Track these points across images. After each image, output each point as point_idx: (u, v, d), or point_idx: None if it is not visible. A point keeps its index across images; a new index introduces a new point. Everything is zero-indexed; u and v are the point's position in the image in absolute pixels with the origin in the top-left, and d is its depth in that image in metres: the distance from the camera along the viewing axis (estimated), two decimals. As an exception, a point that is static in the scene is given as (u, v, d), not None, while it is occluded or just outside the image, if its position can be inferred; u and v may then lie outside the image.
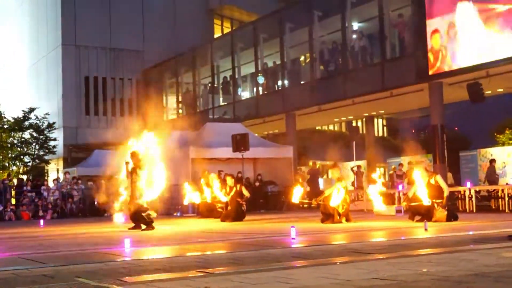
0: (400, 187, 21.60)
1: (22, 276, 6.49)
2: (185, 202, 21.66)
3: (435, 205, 13.86)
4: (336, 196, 14.83)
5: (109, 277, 6.12)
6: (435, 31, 21.72)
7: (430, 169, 18.70)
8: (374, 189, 17.94)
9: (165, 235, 12.95)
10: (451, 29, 21.19)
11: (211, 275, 6.09)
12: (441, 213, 13.82)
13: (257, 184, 26.19)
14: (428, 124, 24.67)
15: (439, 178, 14.18)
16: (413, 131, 46.26)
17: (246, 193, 18.09)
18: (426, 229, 11.14)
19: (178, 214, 23.52)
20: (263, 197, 25.76)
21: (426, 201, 13.85)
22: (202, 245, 10.04)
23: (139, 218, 14.43)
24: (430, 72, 21.96)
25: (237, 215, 17.56)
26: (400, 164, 26.24)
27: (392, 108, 31.77)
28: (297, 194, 16.33)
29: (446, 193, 14.05)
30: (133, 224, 14.61)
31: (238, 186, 18.13)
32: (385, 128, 54.68)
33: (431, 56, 21.85)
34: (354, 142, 26.03)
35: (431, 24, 21.75)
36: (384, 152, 35.73)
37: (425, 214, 13.77)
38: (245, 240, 10.61)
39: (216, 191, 19.16)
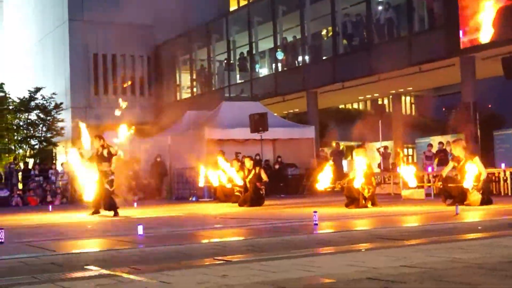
0: (429, 169, 21.48)
1: (30, 264, 6.55)
2: (201, 184, 21.68)
3: (470, 188, 13.77)
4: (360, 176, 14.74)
5: (120, 265, 6.16)
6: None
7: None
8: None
9: (180, 221, 13.01)
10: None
11: (229, 263, 6.11)
12: (475, 196, 13.73)
13: (276, 166, 26.20)
14: (459, 102, 24.48)
15: (477, 160, 14.09)
16: (443, 109, 45.91)
17: (264, 177, 18.09)
18: (457, 213, 11.10)
19: (194, 199, 23.59)
20: (283, 181, 25.76)
21: (467, 184, 13.71)
22: (219, 231, 10.07)
23: (107, 204, 14.73)
24: (462, 46, 21.74)
25: (256, 200, 17.60)
26: (429, 145, 26.10)
27: (420, 85, 31.55)
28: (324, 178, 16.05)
29: (483, 176, 13.94)
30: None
31: (257, 169, 18.14)
32: (413, 106, 54.33)
33: (461, 27, 21.63)
34: (380, 121, 25.91)
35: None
36: (412, 132, 35.56)
37: (457, 197, 13.70)
38: (264, 226, 10.63)
39: (231, 172, 19.11)
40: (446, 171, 14.89)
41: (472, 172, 13.83)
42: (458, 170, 14.40)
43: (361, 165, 14.87)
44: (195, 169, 22.35)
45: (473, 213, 11.67)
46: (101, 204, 14.87)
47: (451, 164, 14.73)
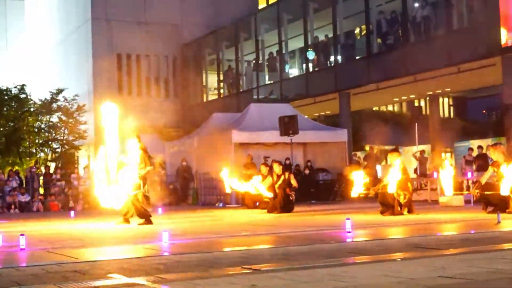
0: (469, 174, 21.31)
1: (52, 272, 6.62)
2: (227, 190, 21.68)
3: (511, 194, 13.60)
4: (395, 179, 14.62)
5: (145, 274, 6.20)
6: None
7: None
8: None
9: (206, 228, 13.05)
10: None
11: (258, 272, 6.11)
12: (517, 203, 13.56)
13: (307, 171, 26.16)
14: (500, 104, 24.26)
15: (514, 165, 13.92)
16: (484, 111, 45.54)
17: (294, 183, 18.05)
18: (499, 222, 10.99)
19: (220, 205, 23.68)
20: (314, 186, 25.71)
21: (504, 191, 13.55)
22: (247, 239, 10.08)
23: (138, 212, 14.22)
24: (503, 44, 21.51)
25: (285, 206, 17.58)
26: (470, 149, 25.91)
27: (459, 86, 31.27)
28: (358, 184, 15.89)
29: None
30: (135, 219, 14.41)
31: (287, 174, 18.10)
32: (451, 108, 53.94)
33: (503, 25, 21.41)
34: (416, 124, 25.74)
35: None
36: (451, 136, 35.34)
37: (499, 205, 13.55)
38: (294, 234, 10.62)
39: (258, 186, 18.62)
40: (485, 177, 14.71)
41: (510, 177, 13.66)
42: (498, 176, 14.23)
43: (397, 171, 14.75)
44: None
45: (515, 221, 11.54)
46: (130, 213, 14.30)
47: (490, 169, 14.56)
